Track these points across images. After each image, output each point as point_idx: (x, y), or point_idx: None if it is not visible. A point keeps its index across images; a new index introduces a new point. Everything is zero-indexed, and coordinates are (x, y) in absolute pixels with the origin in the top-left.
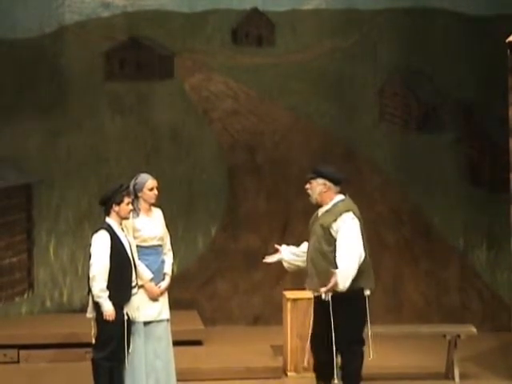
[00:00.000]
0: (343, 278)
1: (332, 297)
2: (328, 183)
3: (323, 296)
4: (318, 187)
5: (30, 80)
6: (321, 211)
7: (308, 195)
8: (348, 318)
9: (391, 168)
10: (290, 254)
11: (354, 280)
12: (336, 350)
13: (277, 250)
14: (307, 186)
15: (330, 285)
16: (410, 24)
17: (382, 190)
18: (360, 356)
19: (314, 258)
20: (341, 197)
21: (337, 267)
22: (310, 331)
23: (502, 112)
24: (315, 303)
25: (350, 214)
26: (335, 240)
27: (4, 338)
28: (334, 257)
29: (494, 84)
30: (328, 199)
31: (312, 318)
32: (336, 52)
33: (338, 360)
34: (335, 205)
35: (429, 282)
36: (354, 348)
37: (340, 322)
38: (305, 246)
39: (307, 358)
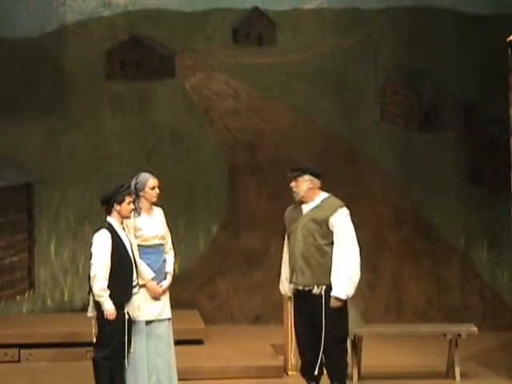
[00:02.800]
0: (352, 285)
1: (325, 291)
2: (314, 179)
3: (315, 290)
4: (304, 184)
5: (31, 79)
6: (306, 208)
7: (292, 193)
8: (339, 313)
9: (392, 167)
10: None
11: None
12: (324, 346)
13: None
14: (293, 183)
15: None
16: (410, 23)
17: (383, 189)
18: (346, 352)
19: (305, 254)
20: (326, 193)
21: (331, 260)
22: (295, 331)
23: (502, 111)
24: (300, 299)
25: (346, 210)
26: (332, 233)
27: (5, 337)
28: (331, 249)
29: (494, 84)
30: (314, 195)
31: (294, 317)
32: (337, 51)
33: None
34: (324, 200)
35: (429, 281)
36: (342, 344)
37: (331, 317)
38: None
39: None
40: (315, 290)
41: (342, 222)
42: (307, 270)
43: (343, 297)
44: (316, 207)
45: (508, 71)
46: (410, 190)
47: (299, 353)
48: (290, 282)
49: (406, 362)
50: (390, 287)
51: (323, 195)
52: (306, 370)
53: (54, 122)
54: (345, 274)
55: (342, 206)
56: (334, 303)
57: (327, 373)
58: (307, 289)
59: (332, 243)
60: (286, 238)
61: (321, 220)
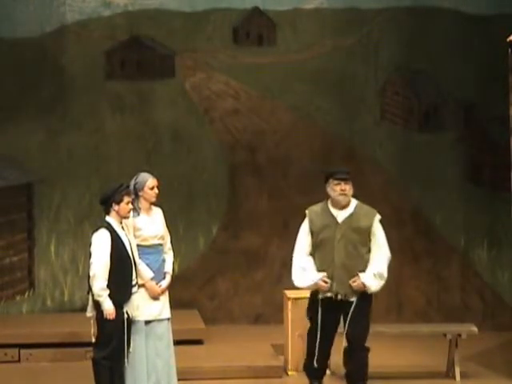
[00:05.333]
0: (380, 285)
1: (358, 297)
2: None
3: (352, 298)
4: (352, 189)
5: (31, 79)
6: (341, 214)
7: (344, 196)
8: (366, 314)
9: (392, 167)
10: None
11: None
12: (350, 348)
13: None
14: (346, 186)
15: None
16: (410, 23)
17: (383, 189)
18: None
19: (347, 264)
20: (354, 199)
21: (366, 267)
22: (318, 334)
23: (502, 111)
24: (332, 306)
25: (379, 216)
26: (370, 240)
27: (5, 337)
28: (368, 257)
29: (494, 83)
30: (350, 202)
31: (321, 321)
32: (337, 51)
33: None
34: (357, 207)
35: (430, 281)
36: (366, 345)
37: (362, 321)
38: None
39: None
40: (352, 298)
41: (379, 229)
42: (348, 280)
43: (371, 290)
44: (352, 215)
45: (508, 71)
46: (410, 189)
47: (311, 354)
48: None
49: (405, 362)
50: (390, 287)
51: (354, 201)
52: (317, 371)
53: (54, 121)
54: (380, 275)
55: (376, 213)
56: (358, 285)
57: (349, 375)
58: (344, 298)
59: (370, 250)
60: (309, 238)
61: (362, 229)
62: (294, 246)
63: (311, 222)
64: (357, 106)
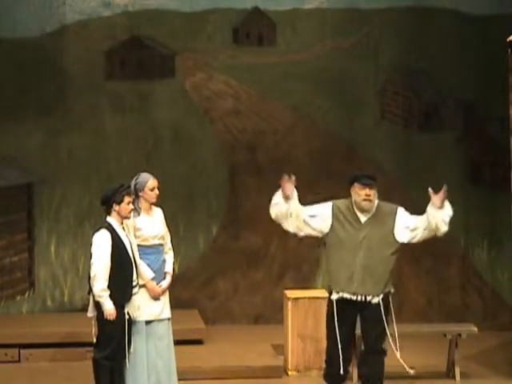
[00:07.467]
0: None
1: (382, 299)
2: None
3: (374, 300)
4: (376, 194)
5: (31, 79)
6: (364, 217)
7: (368, 202)
8: (385, 318)
9: (392, 167)
10: (296, 207)
11: (390, 283)
12: (367, 351)
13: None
14: (371, 192)
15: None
16: (411, 23)
17: (383, 189)
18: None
19: (369, 265)
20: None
21: (389, 269)
22: (336, 338)
23: (502, 111)
24: (349, 307)
25: (401, 207)
26: (396, 241)
27: (5, 337)
28: (394, 259)
29: (494, 83)
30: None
31: (336, 324)
32: (337, 51)
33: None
34: (379, 206)
35: (430, 281)
36: (384, 349)
37: (380, 323)
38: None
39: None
40: (374, 300)
41: (405, 214)
42: (369, 281)
43: (446, 210)
44: (375, 215)
45: (508, 71)
46: (410, 189)
47: (332, 360)
48: (340, 289)
49: (406, 362)
50: None
51: (375, 201)
52: (336, 377)
53: (54, 121)
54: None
55: (396, 207)
56: (444, 194)
57: (365, 378)
58: (364, 298)
59: (395, 252)
60: (321, 219)
61: (386, 229)
62: (293, 246)
63: (335, 210)
64: (357, 106)
